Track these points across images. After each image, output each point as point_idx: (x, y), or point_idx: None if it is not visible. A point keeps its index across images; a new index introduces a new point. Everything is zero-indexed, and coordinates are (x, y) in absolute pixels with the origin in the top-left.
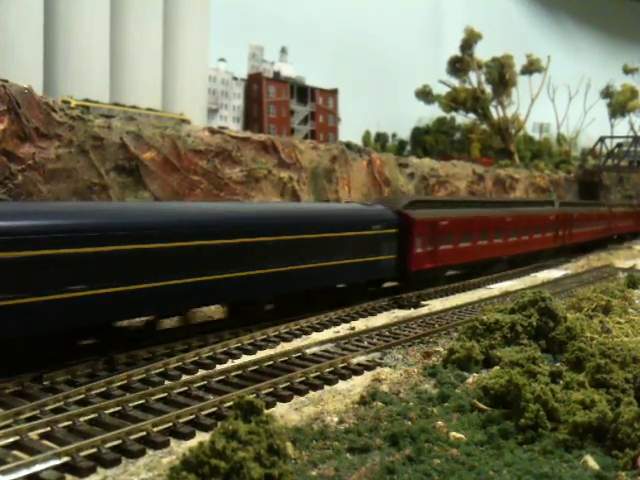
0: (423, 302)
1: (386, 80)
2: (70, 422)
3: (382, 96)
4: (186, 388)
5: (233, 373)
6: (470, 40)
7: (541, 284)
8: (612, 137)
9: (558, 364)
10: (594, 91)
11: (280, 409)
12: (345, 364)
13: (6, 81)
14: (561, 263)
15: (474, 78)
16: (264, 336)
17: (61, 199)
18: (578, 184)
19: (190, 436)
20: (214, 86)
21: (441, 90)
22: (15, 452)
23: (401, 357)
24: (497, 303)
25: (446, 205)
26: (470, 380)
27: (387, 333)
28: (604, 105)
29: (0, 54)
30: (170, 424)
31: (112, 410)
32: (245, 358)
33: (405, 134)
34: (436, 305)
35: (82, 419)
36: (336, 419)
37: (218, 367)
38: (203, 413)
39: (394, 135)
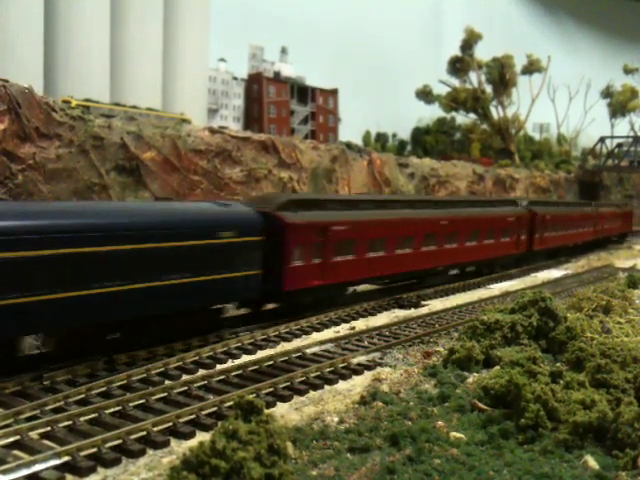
0: (423, 302)
1: (386, 80)
2: (70, 422)
3: (382, 96)
4: (186, 388)
5: (233, 373)
6: (470, 40)
7: (541, 284)
8: (612, 137)
9: (558, 364)
10: (594, 91)
11: (280, 409)
12: (345, 364)
13: (6, 81)
14: (561, 263)
15: (474, 78)
16: (264, 336)
17: (61, 199)
18: (578, 184)
19: (190, 436)
20: (214, 86)
21: (441, 90)
22: (15, 452)
23: (401, 357)
24: (497, 303)
25: (347, 205)
26: (470, 380)
27: (387, 333)
28: (604, 105)
29: (0, 54)
30: (170, 424)
31: (112, 410)
32: (245, 358)
33: (405, 134)
34: (436, 305)
35: (82, 419)
36: (336, 419)
37: (218, 367)
38: (203, 413)
39: (394, 135)
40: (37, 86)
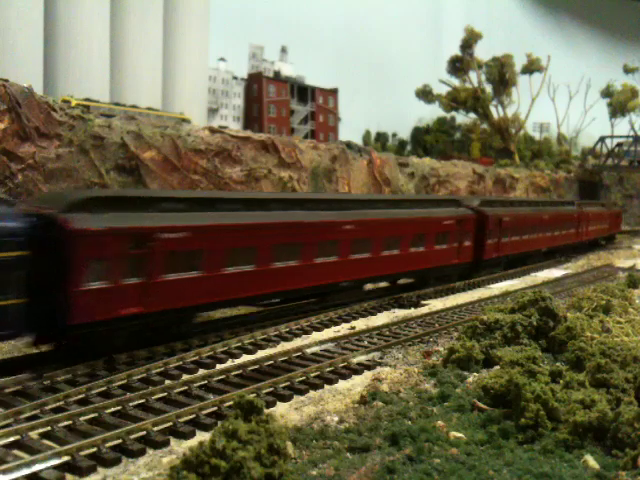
0: (423, 302)
1: (386, 80)
2: (70, 421)
3: (382, 96)
4: (186, 387)
5: (233, 372)
6: (470, 40)
7: (541, 284)
8: (612, 137)
9: (558, 364)
10: (594, 91)
11: (280, 408)
12: (345, 364)
13: (6, 80)
14: (561, 263)
15: (474, 78)
16: (264, 336)
17: None
18: (578, 184)
19: (190, 435)
20: (214, 86)
21: (441, 90)
22: (15, 451)
23: (401, 357)
24: (497, 303)
25: (196, 205)
26: (470, 380)
27: (387, 332)
28: (604, 105)
29: (0, 54)
30: (170, 423)
31: (112, 409)
32: (245, 357)
33: (405, 134)
34: (436, 305)
35: (82, 418)
36: (336, 419)
37: (218, 366)
38: (203, 412)
39: (394, 135)
40: (37, 86)
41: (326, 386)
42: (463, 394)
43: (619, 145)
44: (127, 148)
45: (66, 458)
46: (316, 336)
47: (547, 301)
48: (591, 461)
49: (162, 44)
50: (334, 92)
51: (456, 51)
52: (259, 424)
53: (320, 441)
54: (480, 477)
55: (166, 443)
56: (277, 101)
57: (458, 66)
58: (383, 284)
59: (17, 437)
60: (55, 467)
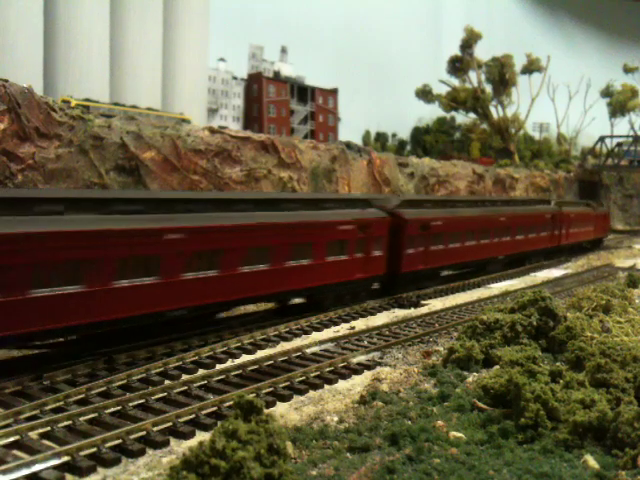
0: (423, 302)
1: (386, 80)
2: (70, 422)
3: (382, 96)
4: (186, 388)
5: (233, 373)
6: (470, 40)
7: (541, 283)
8: (612, 136)
9: (558, 363)
10: (594, 90)
11: (280, 408)
12: (345, 363)
13: (6, 81)
14: (561, 263)
15: (474, 78)
16: (264, 336)
17: None
18: (578, 183)
19: (190, 436)
20: (214, 86)
21: (441, 90)
22: (15, 452)
23: (401, 356)
24: (497, 302)
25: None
26: (470, 379)
27: (387, 332)
28: (604, 104)
29: (0, 54)
30: (170, 423)
31: (112, 410)
32: (245, 358)
33: (405, 134)
34: (436, 304)
35: (82, 419)
36: (336, 418)
37: (218, 367)
38: (203, 413)
39: (394, 135)
40: (37, 86)
41: (326, 386)
42: (463, 394)
43: (619, 145)
44: (127, 148)
45: (66, 458)
46: (316, 336)
47: (547, 301)
48: (591, 461)
49: (162, 44)
50: (334, 92)
51: (456, 51)
52: (259, 424)
53: (320, 441)
54: (480, 477)
55: (166, 443)
56: (277, 101)
57: (458, 66)
58: (259, 306)
59: (17, 437)
60: (55, 467)
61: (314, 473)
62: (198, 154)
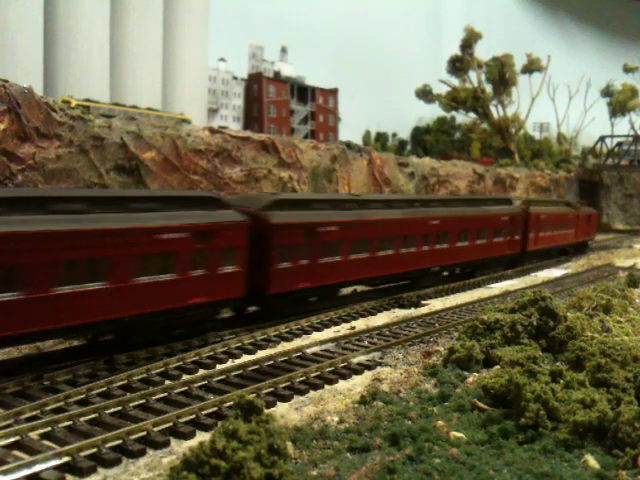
0: (423, 302)
1: (386, 80)
2: (70, 422)
3: (382, 96)
4: (186, 388)
5: (233, 373)
6: (470, 39)
7: (541, 283)
8: (612, 136)
9: (558, 363)
10: (594, 90)
11: (280, 409)
12: (345, 364)
13: (6, 81)
14: (561, 262)
15: (474, 77)
16: (264, 336)
17: None
18: (578, 183)
19: (190, 436)
20: (214, 86)
21: (441, 89)
22: (15, 452)
23: (401, 356)
24: (497, 302)
25: None
26: (470, 379)
27: (387, 332)
28: (604, 104)
29: (0, 54)
30: (170, 424)
31: (112, 410)
32: (245, 358)
33: (405, 133)
34: (436, 304)
35: (82, 419)
36: (336, 419)
37: (218, 367)
38: (203, 413)
39: (394, 135)
40: (37, 86)
41: (326, 386)
42: (463, 394)
43: (619, 144)
44: (127, 148)
45: (66, 459)
46: (316, 336)
47: (547, 301)
48: (591, 461)
49: (162, 44)
50: (334, 92)
51: (456, 51)
52: (259, 424)
53: (320, 441)
54: (480, 477)
55: (166, 443)
56: (277, 101)
57: (458, 66)
58: None
59: (17, 438)
60: (55, 468)
61: (314, 473)
62: (198, 154)
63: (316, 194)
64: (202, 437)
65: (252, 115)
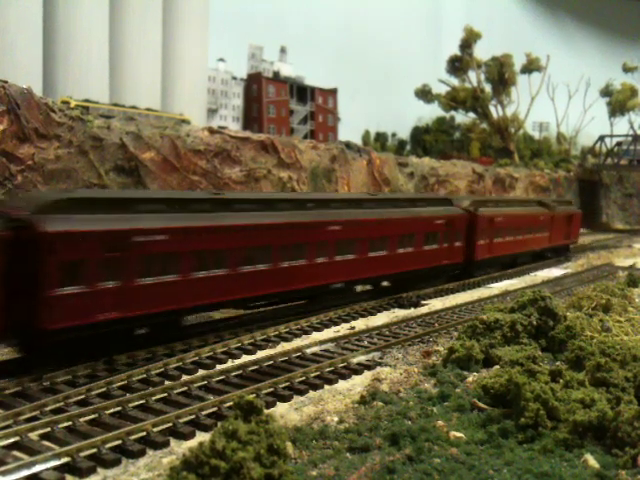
0: (423, 302)
1: (386, 80)
2: (70, 422)
3: (382, 96)
4: (186, 388)
5: (233, 373)
6: (470, 39)
7: (541, 283)
8: (612, 136)
9: (558, 363)
10: (594, 90)
11: (280, 409)
12: (345, 364)
13: (6, 82)
14: (561, 262)
15: (474, 77)
16: (264, 336)
17: None
18: (578, 183)
19: (190, 436)
20: (214, 86)
21: (441, 89)
22: (15, 452)
23: (401, 356)
24: (497, 302)
25: None
26: (470, 379)
27: (387, 332)
28: (604, 104)
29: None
30: (170, 424)
31: (112, 410)
32: (245, 358)
33: (405, 133)
34: (436, 304)
35: (82, 419)
36: (336, 419)
37: (218, 367)
38: (203, 413)
39: (394, 134)
40: (36, 87)
41: (326, 386)
42: (463, 394)
43: (618, 144)
44: (126, 149)
45: (66, 459)
46: (316, 336)
47: (547, 300)
48: (591, 460)
49: (161, 45)
50: (333, 92)
51: (455, 51)
52: (259, 424)
53: (320, 441)
54: (480, 477)
55: (166, 444)
56: (276, 101)
57: (457, 66)
58: None
59: (17, 438)
60: (55, 468)
61: (314, 473)
62: (198, 154)
63: (146, 191)
64: (202, 437)
65: (251, 115)
